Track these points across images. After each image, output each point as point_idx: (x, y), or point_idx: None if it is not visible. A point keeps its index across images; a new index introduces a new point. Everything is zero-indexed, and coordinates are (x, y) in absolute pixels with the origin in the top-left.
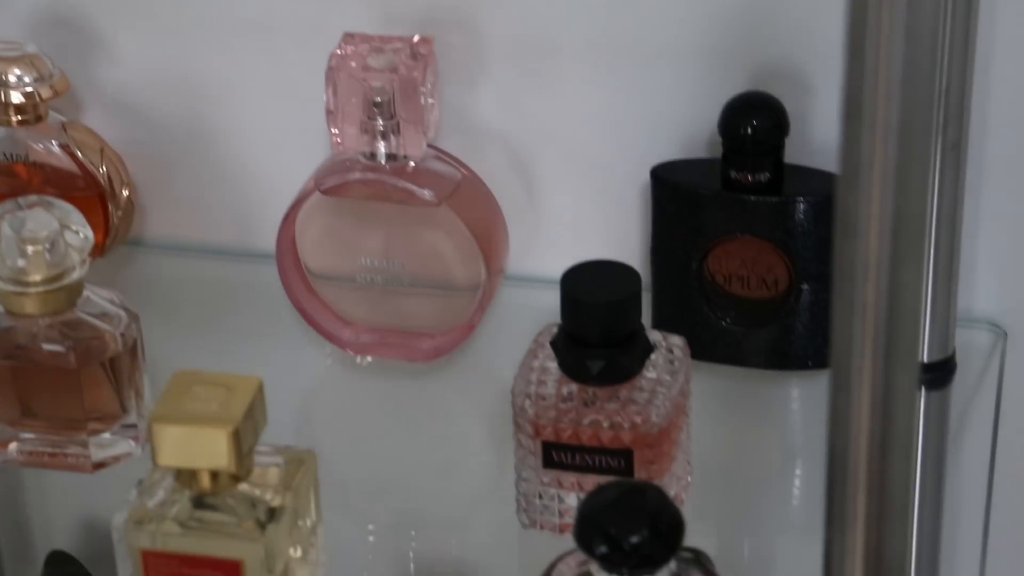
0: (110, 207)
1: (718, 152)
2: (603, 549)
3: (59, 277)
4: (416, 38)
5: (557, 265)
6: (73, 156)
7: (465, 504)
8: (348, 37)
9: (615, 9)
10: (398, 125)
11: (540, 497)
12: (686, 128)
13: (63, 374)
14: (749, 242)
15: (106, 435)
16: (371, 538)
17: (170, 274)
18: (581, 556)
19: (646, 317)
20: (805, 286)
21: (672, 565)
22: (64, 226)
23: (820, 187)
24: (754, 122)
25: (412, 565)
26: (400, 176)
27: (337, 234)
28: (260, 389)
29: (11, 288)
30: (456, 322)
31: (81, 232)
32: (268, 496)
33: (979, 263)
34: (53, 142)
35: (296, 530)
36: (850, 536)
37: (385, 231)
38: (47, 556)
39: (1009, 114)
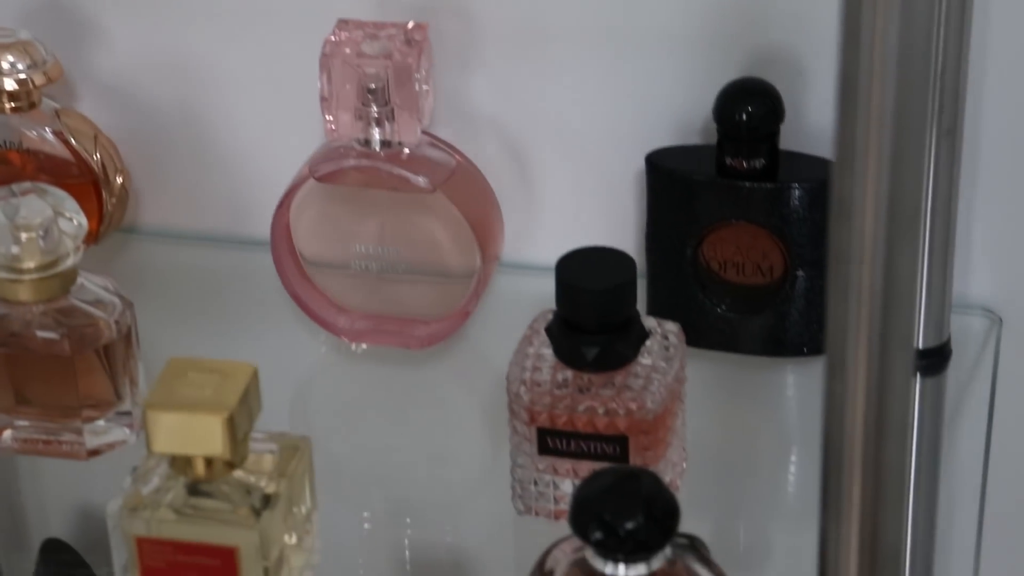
0: (104, 194)
1: (713, 138)
2: (598, 535)
3: (53, 264)
4: (411, 24)
5: (552, 252)
6: (67, 143)
7: (460, 490)
8: (342, 23)
9: None
10: (392, 112)
11: (535, 484)
12: (681, 114)
13: (57, 361)
14: (744, 228)
15: (100, 422)
16: (366, 524)
17: (164, 261)
18: (576, 542)
19: (641, 303)
20: (800, 272)
21: (667, 551)
22: (58, 213)
23: (815, 173)
24: (749, 108)
25: (407, 551)
26: (395, 163)
27: (332, 221)
28: (255, 376)
29: (5, 275)
30: (451, 309)
31: (75, 219)
32: (263, 483)
33: (974, 249)
34: (47, 129)
35: (291, 517)
36: (845, 522)
37: (380, 218)
38: (42, 544)
39: (1004, 99)
